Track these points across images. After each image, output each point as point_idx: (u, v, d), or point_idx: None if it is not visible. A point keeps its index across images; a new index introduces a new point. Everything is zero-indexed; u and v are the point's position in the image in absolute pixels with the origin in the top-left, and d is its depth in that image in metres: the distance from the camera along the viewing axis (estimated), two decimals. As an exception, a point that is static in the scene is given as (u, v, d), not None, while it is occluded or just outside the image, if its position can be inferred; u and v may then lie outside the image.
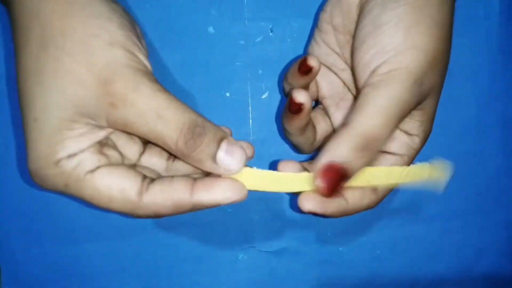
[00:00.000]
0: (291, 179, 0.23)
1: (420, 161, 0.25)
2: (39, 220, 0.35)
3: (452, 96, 0.35)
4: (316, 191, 0.21)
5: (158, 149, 0.25)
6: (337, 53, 0.29)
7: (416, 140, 0.25)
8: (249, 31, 0.34)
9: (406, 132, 0.25)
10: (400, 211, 0.36)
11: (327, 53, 0.29)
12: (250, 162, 0.34)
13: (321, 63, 0.28)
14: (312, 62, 0.25)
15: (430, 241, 0.36)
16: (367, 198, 0.24)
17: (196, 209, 0.22)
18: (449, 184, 0.36)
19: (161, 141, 0.21)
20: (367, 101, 0.21)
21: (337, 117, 0.30)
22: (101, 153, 0.22)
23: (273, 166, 0.35)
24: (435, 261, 0.36)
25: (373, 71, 0.22)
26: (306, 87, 0.29)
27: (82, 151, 0.21)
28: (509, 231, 0.37)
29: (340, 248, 0.36)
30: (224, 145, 0.21)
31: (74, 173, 0.21)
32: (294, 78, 0.27)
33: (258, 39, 0.34)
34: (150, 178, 0.22)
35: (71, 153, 0.21)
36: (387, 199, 0.35)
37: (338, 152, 0.21)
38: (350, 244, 0.36)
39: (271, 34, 0.34)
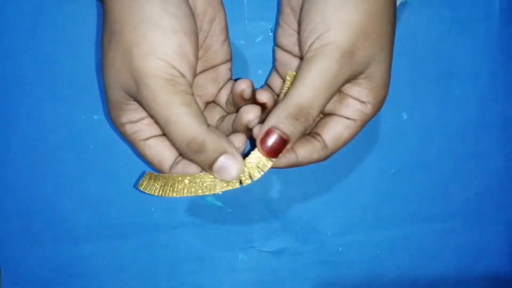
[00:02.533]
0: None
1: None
2: (39, 220, 0.35)
3: (452, 96, 0.35)
4: (265, 154, 0.25)
5: None
6: (298, 33, 0.29)
7: (368, 106, 0.27)
8: (249, 31, 0.34)
9: (358, 99, 0.27)
10: (400, 211, 0.36)
11: (290, 33, 0.30)
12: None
13: (278, 49, 0.31)
14: (262, 97, 0.28)
15: (430, 241, 0.36)
16: (316, 154, 0.27)
17: None
18: (449, 184, 0.36)
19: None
20: (301, 75, 0.25)
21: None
22: (154, 125, 0.27)
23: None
24: (435, 261, 0.36)
25: (309, 47, 0.25)
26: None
27: (139, 120, 0.27)
28: (509, 231, 0.37)
29: (340, 248, 0.36)
30: (219, 161, 0.25)
31: (133, 137, 0.27)
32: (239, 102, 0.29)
33: (258, 39, 0.34)
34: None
35: (132, 120, 0.27)
36: (387, 199, 0.35)
37: (275, 120, 0.25)
38: (350, 244, 0.36)
39: (271, 34, 0.34)
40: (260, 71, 0.34)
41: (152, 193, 0.27)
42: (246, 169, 0.26)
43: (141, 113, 0.27)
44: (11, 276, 0.35)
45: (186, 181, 0.26)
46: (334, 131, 0.27)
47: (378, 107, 0.27)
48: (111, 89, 0.26)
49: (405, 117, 0.35)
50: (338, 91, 0.26)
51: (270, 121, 0.25)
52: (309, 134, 0.28)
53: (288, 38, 0.30)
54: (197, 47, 0.26)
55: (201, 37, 0.28)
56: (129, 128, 0.27)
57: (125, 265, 0.35)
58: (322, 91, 0.24)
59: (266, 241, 0.35)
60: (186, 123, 0.24)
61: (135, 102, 0.26)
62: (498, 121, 0.36)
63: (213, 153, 0.25)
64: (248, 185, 0.34)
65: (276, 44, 0.31)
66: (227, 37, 0.30)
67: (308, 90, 0.24)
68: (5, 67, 0.33)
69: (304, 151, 0.27)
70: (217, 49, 0.30)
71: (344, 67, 0.24)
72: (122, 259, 0.35)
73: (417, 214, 0.36)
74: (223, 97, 0.31)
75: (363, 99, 0.27)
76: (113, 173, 0.34)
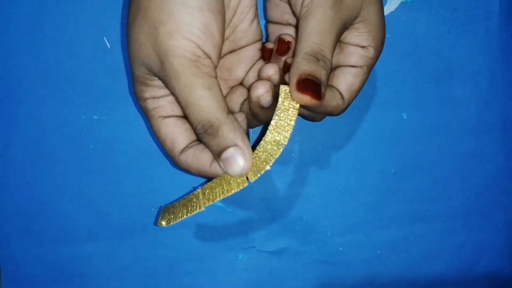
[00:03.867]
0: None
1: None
2: (39, 220, 0.35)
3: (452, 96, 0.35)
4: (301, 101, 0.25)
5: None
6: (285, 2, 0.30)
7: (371, 50, 0.27)
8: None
9: (359, 45, 0.28)
10: (400, 211, 0.36)
11: (276, 4, 0.30)
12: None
13: (270, 24, 0.32)
14: (287, 37, 0.29)
15: (430, 241, 0.36)
16: (335, 101, 0.27)
17: (214, 176, 0.27)
18: (449, 184, 0.36)
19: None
20: (302, 29, 0.26)
21: None
22: (176, 104, 0.27)
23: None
24: (435, 261, 0.36)
25: (301, 6, 0.26)
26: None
27: (163, 96, 0.27)
28: (509, 231, 0.37)
29: (340, 248, 0.36)
30: (228, 151, 0.24)
31: (152, 113, 0.27)
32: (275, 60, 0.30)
33: (258, 39, 0.34)
34: (196, 141, 0.28)
35: (155, 96, 0.27)
36: (387, 199, 0.35)
37: (301, 67, 0.25)
38: (350, 244, 0.36)
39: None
40: (260, 71, 0.34)
41: (178, 221, 0.27)
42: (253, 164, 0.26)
43: (165, 90, 0.27)
44: (12, 276, 0.35)
45: (200, 196, 0.27)
46: (345, 82, 0.28)
47: (379, 49, 0.28)
48: (135, 64, 0.26)
49: (405, 117, 0.35)
50: (339, 38, 0.27)
51: (296, 70, 0.25)
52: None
53: (275, 9, 0.30)
54: (223, 26, 0.26)
55: (228, 15, 0.28)
56: (150, 103, 0.27)
57: (125, 265, 0.35)
58: (326, 34, 0.25)
59: (266, 241, 0.35)
60: (206, 106, 0.24)
61: (157, 78, 0.26)
62: (498, 121, 0.36)
63: (225, 141, 0.24)
64: (248, 184, 0.34)
65: (266, 20, 0.32)
66: (256, 15, 0.29)
67: (314, 37, 0.25)
68: (6, 67, 0.33)
69: (327, 98, 0.27)
70: (245, 28, 0.29)
71: (338, 11, 0.25)
72: (122, 259, 0.35)
73: (417, 214, 0.36)
74: (251, 79, 0.30)
75: (364, 43, 0.27)
76: (113, 173, 0.34)
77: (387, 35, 0.29)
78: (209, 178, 0.27)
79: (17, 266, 0.35)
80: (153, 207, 0.35)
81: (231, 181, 0.26)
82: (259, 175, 0.26)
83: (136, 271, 0.35)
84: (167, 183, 0.34)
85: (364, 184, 0.35)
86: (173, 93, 0.25)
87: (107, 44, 0.33)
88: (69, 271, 0.35)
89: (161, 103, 0.27)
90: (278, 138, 0.26)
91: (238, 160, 0.24)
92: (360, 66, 0.28)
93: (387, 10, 0.34)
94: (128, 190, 0.34)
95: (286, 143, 0.26)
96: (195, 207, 0.27)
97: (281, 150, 0.26)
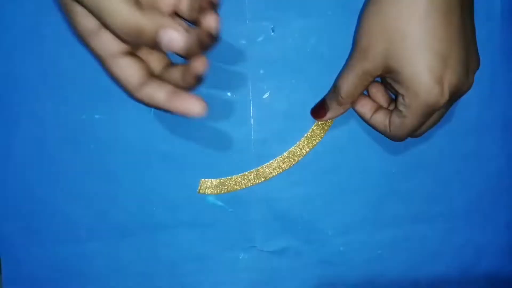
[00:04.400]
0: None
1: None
2: (40, 219, 0.35)
3: (453, 96, 0.35)
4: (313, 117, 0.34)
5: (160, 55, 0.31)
6: None
7: (410, 93, 0.28)
8: (250, 31, 0.34)
9: (397, 91, 0.29)
10: (401, 210, 0.36)
11: None
12: (251, 162, 0.34)
13: None
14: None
15: (431, 241, 0.36)
16: (382, 125, 0.31)
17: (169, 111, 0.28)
18: (450, 184, 0.36)
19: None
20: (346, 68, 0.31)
21: None
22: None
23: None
24: (436, 261, 0.36)
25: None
26: None
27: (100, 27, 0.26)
28: (510, 231, 0.37)
29: (341, 248, 0.36)
30: (161, 37, 0.25)
31: (100, 53, 0.28)
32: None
33: (260, 39, 0.34)
34: (152, 74, 0.28)
35: (90, 28, 0.26)
36: (388, 199, 0.35)
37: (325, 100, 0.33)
38: (351, 244, 0.36)
39: (272, 33, 0.34)
40: (261, 71, 0.34)
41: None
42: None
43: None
44: (12, 275, 0.35)
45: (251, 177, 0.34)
46: (393, 119, 0.30)
47: (432, 90, 0.28)
48: None
49: (406, 117, 0.35)
50: (367, 82, 0.30)
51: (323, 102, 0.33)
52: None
53: None
54: None
55: None
56: (94, 42, 0.27)
57: (126, 265, 0.35)
58: (352, 80, 0.30)
59: (267, 241, 0.35)
60: (118, 11, 0.24)
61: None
62: (499, 122, 0.36)
63: (151, 33, 0.24)
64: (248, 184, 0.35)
65: None
66: None
67: (344, 79, 0.31)
68: (7, 66, 0.33)
69: (376, 118, 0.32)
70: None
71: (359, 61, 0.29)
72: (123, 258, 0.35)
73: (418, 214, 0.36)
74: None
75: (402, 91, 0.29)
76: (114, 173, 0.34)
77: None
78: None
79: (18, 265, 0.35)
80: (154, 207, 0.35)
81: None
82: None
83: (137, 271, 0.35)
84: (168, 183, 0.34)
85: (365, 184, 0.35)
86: (89, 10, 0.25)
87: (109, 43, 0.33)
88: (70, 270, 0.35)
89: (103, 39, 0.27)
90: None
91: (173, 37, 0.25)
92: (401, 109, 0.29)
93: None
94: (129, 189, 0.34)
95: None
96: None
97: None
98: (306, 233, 0.35)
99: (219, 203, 0.35)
